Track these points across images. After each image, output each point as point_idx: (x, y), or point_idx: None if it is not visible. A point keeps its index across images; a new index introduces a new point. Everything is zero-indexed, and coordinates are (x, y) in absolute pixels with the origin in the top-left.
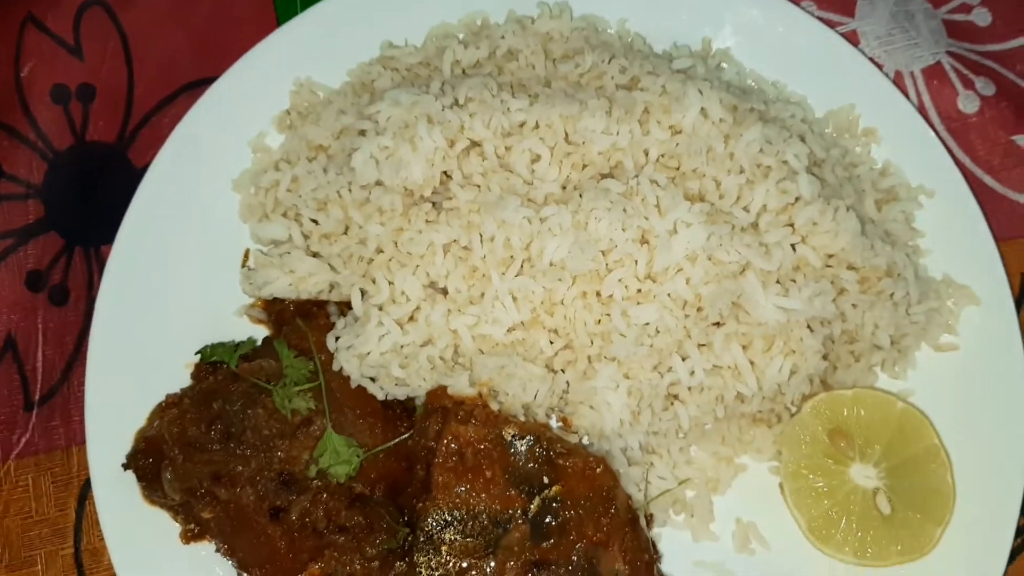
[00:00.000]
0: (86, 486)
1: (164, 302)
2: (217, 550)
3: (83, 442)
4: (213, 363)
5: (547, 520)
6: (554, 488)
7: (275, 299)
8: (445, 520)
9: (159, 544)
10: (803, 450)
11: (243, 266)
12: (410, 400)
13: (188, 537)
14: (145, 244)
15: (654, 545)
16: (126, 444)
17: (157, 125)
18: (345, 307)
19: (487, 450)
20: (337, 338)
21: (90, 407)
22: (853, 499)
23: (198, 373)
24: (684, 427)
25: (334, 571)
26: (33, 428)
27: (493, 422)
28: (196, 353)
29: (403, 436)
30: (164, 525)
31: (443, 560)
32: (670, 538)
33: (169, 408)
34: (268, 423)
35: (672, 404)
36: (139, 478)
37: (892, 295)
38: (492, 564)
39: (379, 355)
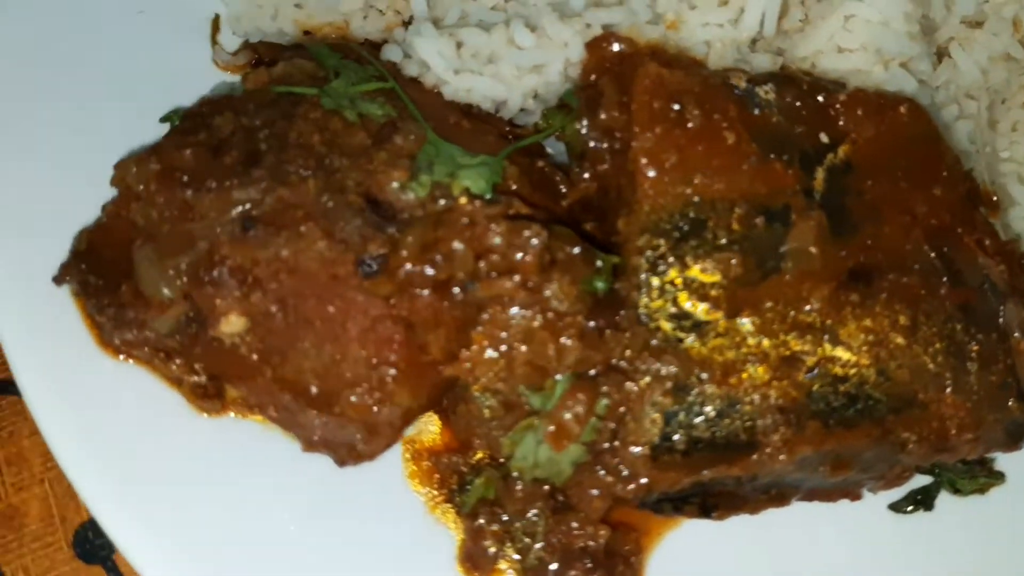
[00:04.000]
0: None
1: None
2: (253, 407)
3: None
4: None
5: (844, 200)
6: (841, 149)
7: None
8: (678, 226)
9: (152, 436)
10: None
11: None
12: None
13: (198, 394)
14: None
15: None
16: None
17: None
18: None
19: (718, 104)
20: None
21: None
22: None
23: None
24: None
25: (495, 365)
26: None
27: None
28: (162, 120)
29: (553, 129)
30: (151, 398)
31: (690, 292)
32: None
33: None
34: (324, 135)
35: None
36: (85, 292)
37: None
38: (784, 285)
39: (478, 42)
